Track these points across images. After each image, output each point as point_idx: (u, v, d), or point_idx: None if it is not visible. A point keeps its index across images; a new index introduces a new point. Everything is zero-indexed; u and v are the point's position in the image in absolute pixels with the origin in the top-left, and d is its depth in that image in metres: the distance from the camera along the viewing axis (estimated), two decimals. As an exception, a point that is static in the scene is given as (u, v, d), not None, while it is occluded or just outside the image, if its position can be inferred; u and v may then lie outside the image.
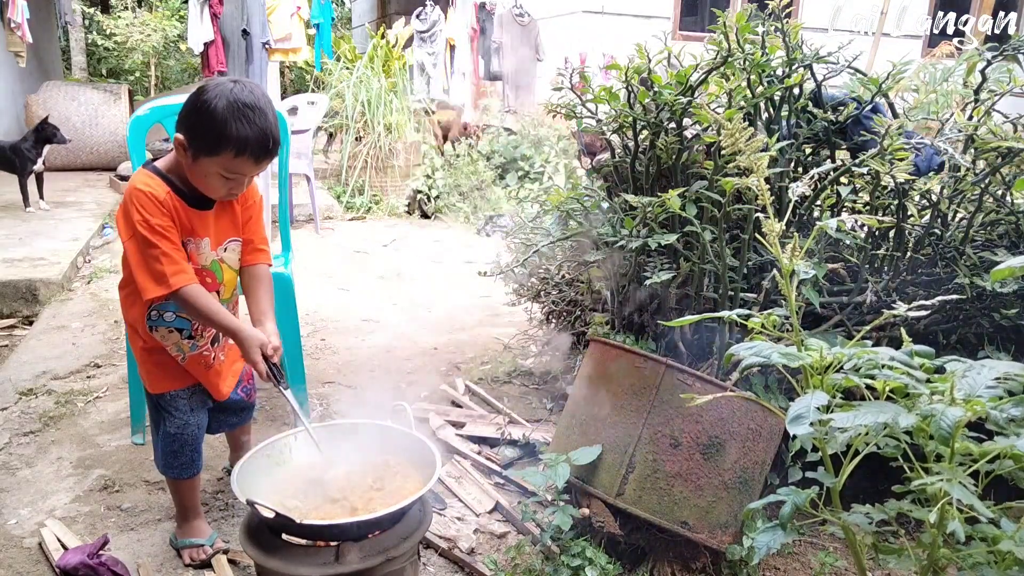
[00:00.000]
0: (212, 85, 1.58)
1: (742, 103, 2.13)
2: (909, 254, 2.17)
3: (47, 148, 5.41)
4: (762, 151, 1.45)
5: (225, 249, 1.80)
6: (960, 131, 2.10)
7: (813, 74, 2.22)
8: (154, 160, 1.72)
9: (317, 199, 6.10)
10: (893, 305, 1.26)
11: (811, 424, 1.08)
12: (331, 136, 6.91)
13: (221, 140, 1.55)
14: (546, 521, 1.86)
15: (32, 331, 3.53)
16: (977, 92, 2.13)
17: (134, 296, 1.72)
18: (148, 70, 12.45)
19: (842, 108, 2.15)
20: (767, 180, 1.45)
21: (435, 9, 9.26)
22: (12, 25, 7.01)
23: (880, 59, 4.77)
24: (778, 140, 2.04)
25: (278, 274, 2.46)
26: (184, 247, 1.68)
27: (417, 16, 9.21)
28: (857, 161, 1.96)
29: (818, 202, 2.23)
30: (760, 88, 2.15)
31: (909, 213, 2.22)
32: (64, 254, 4.34)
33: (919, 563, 1.17)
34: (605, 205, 2.37)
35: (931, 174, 2.20)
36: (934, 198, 2.20)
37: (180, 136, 1.60)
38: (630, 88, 2.26)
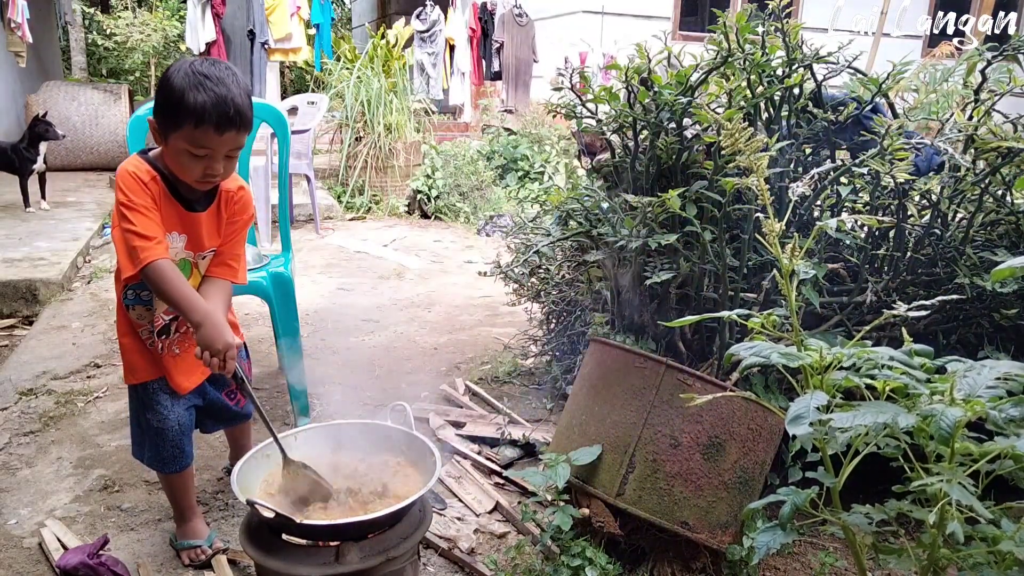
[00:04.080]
0: (174, 63, 1.59)
1: (742, 103, 2.12)
2: (909, 254, 2.16)
3: (44, 146, 5.38)
4: (762, 151, 1.45)
5: (204, 257, 1.78)
6: (960, 131, 2.10)
7: (813, 74, 2.21)
8: (146, 150, 1.72)
9: (317, 199, 6.10)
10: (893, 305, 1.26)
11: (811, 424, 1.08)
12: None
13: (180, 111, 1.53)
14: (546, 521, 1.86)
15: (32, 331, 3.53)
16: (977, 92, 2.13)
17: (119, 282, 1.75)
18: (148, 70, 12.46)
19: (842, 108, 2.15)
20: (767, 180, 1.44)
21: (435, 9, 9.26)
22: (12, 25, 7.01)
23: (880, 59, 4.77)
24: (778, 140, 2.04)
25: (278, 274, 2.46)
26: None
27: (417, 16, 9.21)
28: (857, 161, 1.96)
29: (818, 202, 2.23)
30: (760, 88, 2.15)
31: (909, 213, 2.22)
32: (64, 254, 4.34)
33: (919, 563, 1.17)
34: (605, 205, 2.37)
35: (931, 174, 2.20)
36: (934, 198, 2.20)
37: (151, 118, 1.61)
38: (630, 88, 2.26)
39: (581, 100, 2.40)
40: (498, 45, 9.50)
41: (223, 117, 1.54)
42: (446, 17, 9.40)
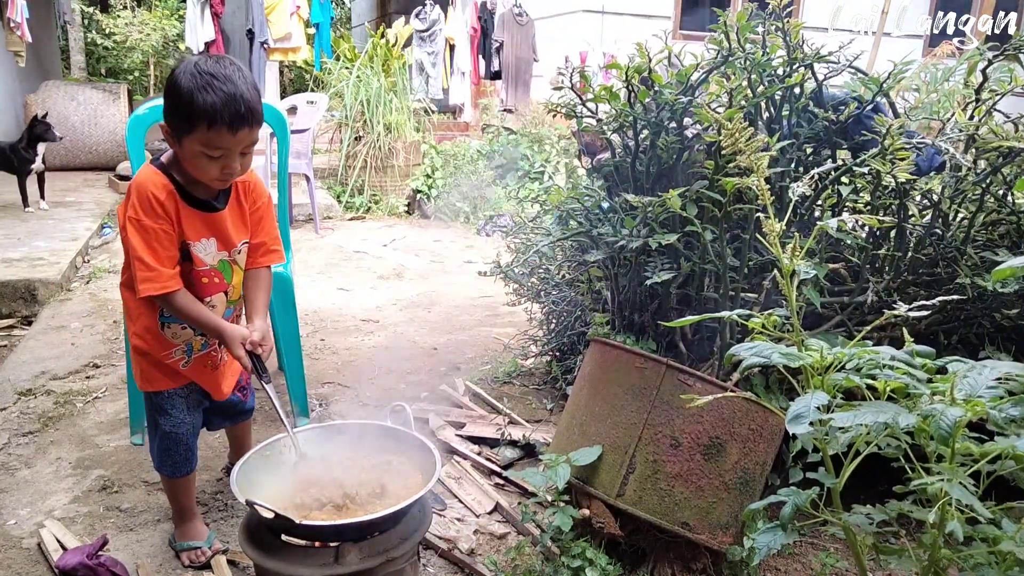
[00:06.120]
0: (180, 64, 1.57)
1: (743, 102, 2.12)
2: (910, 254, 2.16)
3: (42, 146, 5.38)
4: (763, 151, 1.44)
5: (239, 251, 1.79)
6: (961, 131, 2.10)
7: (814, 73, 2.21)
8: (159, 157, 1.70)
9: (317, 199, 6.10)
10: (894, 305, 1.26)
11: (811, 424, 1.08)
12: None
13: (192, 114, 1.51)
14: (546, 522, 1.85)
15: (31, 331, 3.53)
16: (978, 92, 2.13)
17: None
18: (147, 69, 12.45)
19: (843, 108, 2.14)
20: (767, 180, 1.44)
21: (435, 9, 9.25)
22: (12, 25, 7.00)
23: (881, 59, 4.76)
24: (779, 140, 2.03)
25: (278, 274, 2.46)
26: (188, 248, 1.66)
27: (417, 15, 9.21)
28: (858, 161, 1.95)
29: (819, 202, 2.23)
30: (761, 88, 2.14)
31: (910, 213, 2.22)
32: (63, 254, 4.34)
33: (920, 564, 1.17)
34: (605, 205, 2.36)
35: (932, 174, 2.20)
36: (935, 198, 2.20)
37: (162, 123, 1.60)
38: (630, 87, 2.26)
39: (581, 99, 2.39)
40: (498, 44, 9.49)
41: (235, 116, 1.52)
42: (446, 17, 9.39)
